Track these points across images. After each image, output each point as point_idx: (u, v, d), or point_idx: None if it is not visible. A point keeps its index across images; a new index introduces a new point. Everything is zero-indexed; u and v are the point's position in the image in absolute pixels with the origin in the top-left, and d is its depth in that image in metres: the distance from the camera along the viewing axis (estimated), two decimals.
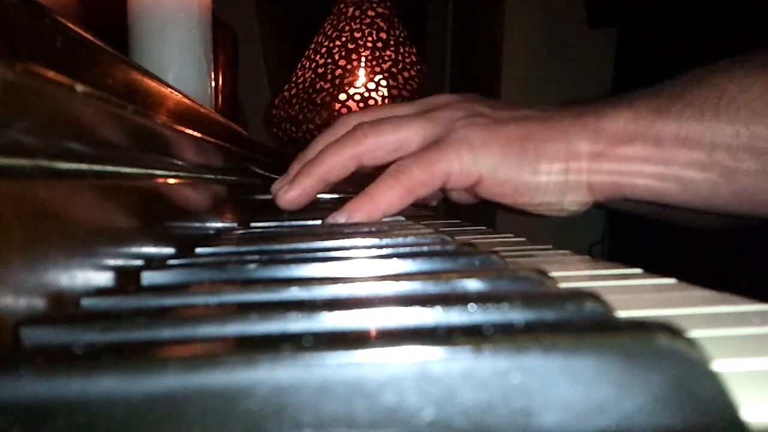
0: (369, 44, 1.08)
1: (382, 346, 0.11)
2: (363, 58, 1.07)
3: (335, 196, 0.52)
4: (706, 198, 0.40)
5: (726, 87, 0.37)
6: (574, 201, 0.44)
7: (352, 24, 1.10)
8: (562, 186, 0.43)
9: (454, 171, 0.43)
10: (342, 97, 1.05)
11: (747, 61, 0.38)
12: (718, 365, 0.11)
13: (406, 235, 0.30)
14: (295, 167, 0.48)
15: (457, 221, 0.59)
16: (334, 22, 1.11)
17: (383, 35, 1.09)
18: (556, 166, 0.42)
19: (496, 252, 0.24)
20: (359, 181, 0.47)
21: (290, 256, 0.25)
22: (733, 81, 0.37)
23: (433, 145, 0.44)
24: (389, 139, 0.44)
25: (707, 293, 0.22)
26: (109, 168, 0.22)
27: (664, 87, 0.41)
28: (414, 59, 1.12)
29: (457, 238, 0.32)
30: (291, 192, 0.46)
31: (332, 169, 0.45)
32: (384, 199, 0.42)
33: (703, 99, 0.38)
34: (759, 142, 0.36)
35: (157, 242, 0.27)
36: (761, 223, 0.44)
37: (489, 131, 0.43)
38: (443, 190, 0.50)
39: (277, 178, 0.49)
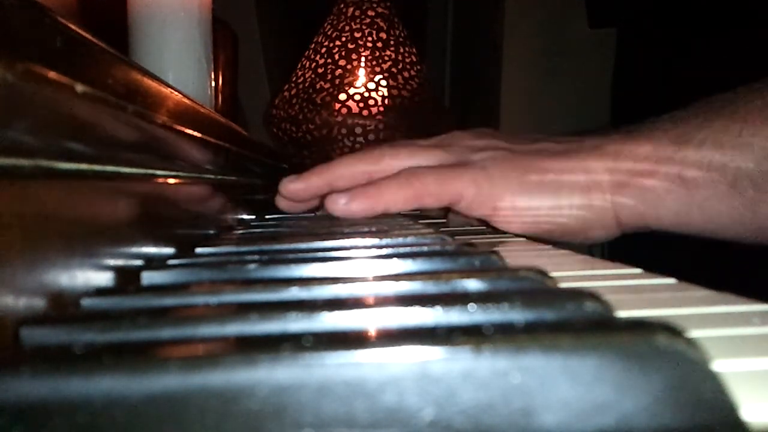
0: (369, 44, 1.08)
1: (382, 346, 0.11)
2: (363, 58, 1.07)
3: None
4: (731, 228, 0.40)
5: (746, 117, 0.37)
6: (601, 229, 0.43)
7: (352, 24, 1.09)
8: (587, 215, 0.43)
9: (468, 195, 0.42)
10: (342, 97, 1.05)
11: (765, 88, 0.38)
12: (718, 365, 0.11)
13: (406, 235, 0.30)
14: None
15: None
16: (334, 22, 1.11)
17: (383, 35, 1.09)
18: (577, 196, 0.42)
19: (496, 252, 0.24)
20: None
21: (290, 256, 0.25)
22: (753, 111, 0.37)
23: (450, 166, 0.44)
24: (405, 162, 0.45)
25: (707, 293, 0.22)
26: (109, 168, 0.22)
27: (682, 117, 0.41)
28: (414, 59, 1.12)
29: (457, 238, 0.32)
30: (296, 183, 0.46)
31: (342, 176, 0.45)
32: (390, 195, 0.42)
33: (724, 130, 0.38)
34: None
35: (157, 242, 0.27)
36: None
37: (507, 162, 0.43)
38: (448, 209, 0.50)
39: (277, 178, 0.50)
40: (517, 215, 0.43)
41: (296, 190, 0.46)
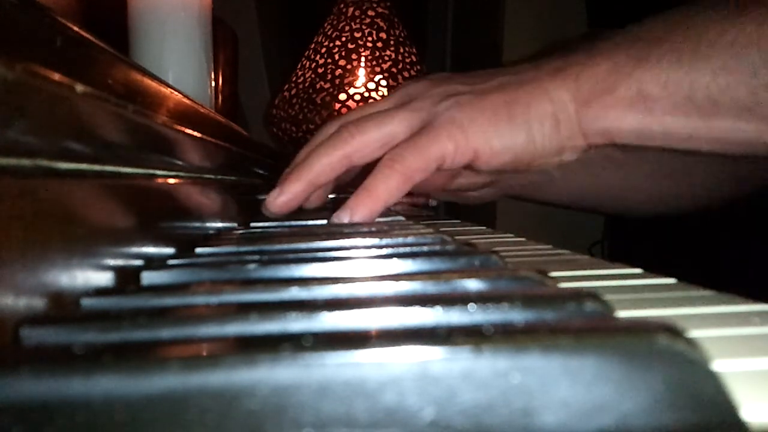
0: (369, 44, 1.08)
1: (382, 346, 0.11)
2: (363, 58, 1.07)
3: (332, 195, 0.52)
4: (687, 141, 0.41)
5: (704, 32, 0.38)
6: (572, 149, 0.44)
7: (352, 24, 1.09)
8: (558, 139, 0.44)
9: (448, 152, 0.43)
10: (342, 97, 1.05)
11: (722, 3, 0.39)
12: (718, 365, 0.11)
13: (406, 235, 0.30)
14: (285, 174, 0.48)
15: (457, 221, 0.59)
16: (334, 22, 1.11)
17: (383, 35, 1.09)
18: (547, 123, 0.43)
19: (496, 252, 0.24)
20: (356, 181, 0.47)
21: (290, 256, 0.25)
22: (711, 26, 0.38)
23: (421, 131, 0.44)
24: (375, 135, 0.45)
25: (707, 293, 0.22)
26: (109, 168, 0.22)
27: (641, 33, 0.42)
28: (414, 59, 1.12)
29: (457, 238, 0.32)
30: (281, 197, 0.45)
31: (322, 172, 0.45)
32: (383, 190, 0.42)
33: (682, 44, 0.39)
34: (735, 86, 0.37)
35: (157, 242, 0.27)
36: (747, 219, 0.45)
37: (473, 106, 0.44)
38: (450, 191, 0.50)
39: (276, 178, 0.49)
40: (496, 155, 0.44)
41: (283, 204, 0.45)
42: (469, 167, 0.46)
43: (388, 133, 0.45)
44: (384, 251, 0.26)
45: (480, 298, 0.15)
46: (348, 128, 0.45)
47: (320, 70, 1.08)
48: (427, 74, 0.50)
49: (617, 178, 0.58)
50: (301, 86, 1.09)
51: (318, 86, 1.06)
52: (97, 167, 0.21)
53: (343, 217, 0.42)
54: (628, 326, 0.12)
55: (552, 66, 0.44)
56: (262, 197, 0.47)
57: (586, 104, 0.42)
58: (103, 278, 0.21)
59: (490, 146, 0.43)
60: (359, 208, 0.42)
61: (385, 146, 0.45)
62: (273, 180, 0.49)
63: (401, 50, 1.10)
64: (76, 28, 0.18)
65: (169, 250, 0.29)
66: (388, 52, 1.09)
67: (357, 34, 1.09)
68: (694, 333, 0.15)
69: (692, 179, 0.57)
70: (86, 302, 0.18)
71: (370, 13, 1.10)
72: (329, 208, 0.47)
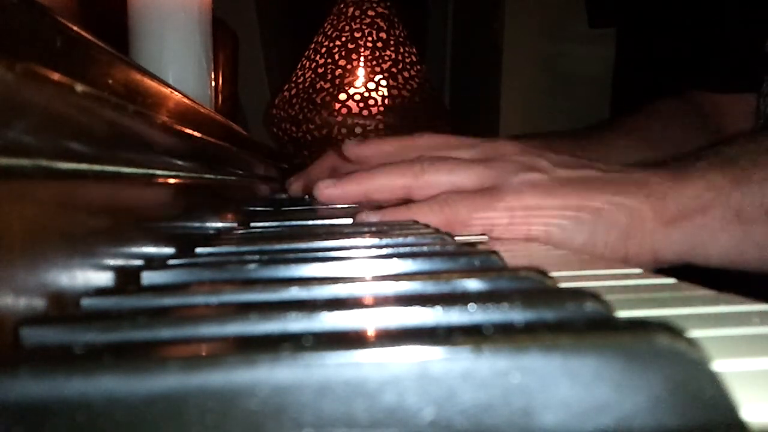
0: (369, 44, 1.08)
1: (382, 346, 0.11)
2: (363, 58, 1.07)
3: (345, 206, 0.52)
4: None
5: None
6: (635, 265, 0.43)
7: (352, 24, 1.09)
8: (621, 251, 0.42)
9: (500, 223, 0.42)
10: (342, 97, 1.05)
11: None
12: (718, 365, 0.11)
13: (406, 235, 0.30)
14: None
15: None
16: (334, 22, 1.11)
17: (383, 35, 1.09)
18: (614, 234, 0.41)
19: (496, 252, 0.24)
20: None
21: (290, 256, 0.25)
22: None
23: (485, 191, 0.43)
24: (444, 179, 0.44)
25: (707, 293, 0.22)
26: (109, 168, 0.22)
27: (731, 153, 0.41)
28: (414, 59, 1.11)
29: (457, 238, 0.32)
30: (333, 189, 0.46)
31: (380, 189, 0.45)
32: (421, 218, 0.42)
33: None
34: None
35: (157, 242, 0.27)
36: None
37: (545, 192, 0.42)
38: None
39: (277, 178, 0.49)
40: (548, 241, 0.42)
41: (332, 195, 0.46)
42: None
43: (457, 181, 0.44)
44: (384, 251, 0.26)
45: (480, 298, 0.15)
46: (422, 163, 0.45)
47: (320, 70, 1.08)
48: (519, 137, 0.48)
49: None
50: (301, 86, 1.09)
51: (318, 86, 1.06)
52: (97, 167, 0.21)
53: (373, 218, 0.43)
54: (628, 326, 0.12)
55: (640, 176, 0.42)
56: (263, 197, 0.47)
57: (669, 225, 0.40)
58: (103, 278, 0.21)
59: (546, 234, 0.42)
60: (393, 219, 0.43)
61: (448, 191, 0.44)
62: (273, 180, 0.49)
63: (401, 50, 1.10)
64: (76, 28, 0.18)
65: (169, 250, 0.29)
66: (388, 52, 1.08)
67: (357, 34, 1.08)
68: (694, 333, 0.15)
69: None
70: (86, 302, 0.18)
71: (370, 13, 1.10)
72: (337, 215, 0.47)
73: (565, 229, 0.42)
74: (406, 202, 0.45)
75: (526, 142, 0.48)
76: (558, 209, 0.42)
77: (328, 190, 0.46)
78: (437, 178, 0.45)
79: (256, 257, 0.24)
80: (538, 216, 0.42)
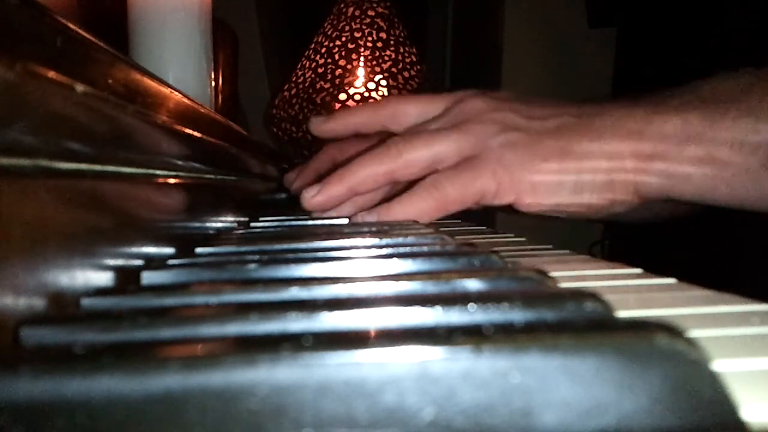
0: (369, 44, 1.08)
1: (382, 346, 0.11)
2: (363, 58, 1.07)
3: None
4: (757, 203, 0.40)
5: None
6: (619, 204, 0.43)
7: (352, 24, 1.09)
8: (607, 195, 0.42)
9: (489, 191, 0.42)
10: (342, 96, 1.05)
11: None
12: (718, 365, 0.11)
13: (406, 235, 0.30)
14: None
15: (457, 221, 0.59)
16: (334, 22, 1.11)
17: (383, 35, 1.09)
18: (599, 178, 0.42)
19: (496, 252, 0.24)
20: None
21: (290, 256, 0.25)
22: None
23: (467, 163, 0.43)
24: (423, 155, 0.44)
25: (707, 293, 0.22)
26: (109, 168, 0.22)
27: (713, 92, 0.41)
28: (414, 59, 1.11)
29: (457, 238, 0.32)
30: (319, 197, 0.45)
31: (364, 181, 0.45)
32: (415, 211, 0.42)
33: (758, 107, 0.38)
34: None
35: (157, 242, 0.27)
36: (742, 220, 0.44)
37: (525, 149, 0.42)
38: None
39: (277, 178, 0.49)
40: (537, 202, 0.43)
41: (319, 203, 0.46)
42: (508, 205, 0.45)
43: (437, 154, 0.44)
44: (384, 251, 0.26)
45: (480, 298, 0.15)
46: (397, 144, 0.45)
47: (320, 70, 1.08)
48: (485, 90, 0.48)
49: None
50: (301, 86, 1.09)
51: (318, 86, 1.06)
52: (97, 167, 0.21)
53: (369, 218, 0.43)
54: (627, 326, 0.12)
55: (616, 115, 0.42)
56: (263, 197, 0.47)
57: (648, 157, 0.41)
58: (103, 278, 0.21)
59: (534, 193, 0.42)
60: (387, 217, 0.43)
61: (431, 167, 0.44)
62: (273, 180, 0.49)
63: (401, 50, 1.10)
64: (76, 28, 0.18)
65: (169, 250, 0.29)
66: (388, 52, 1.08)
67: (357, 34, 1.08)
68: (694, 333, 0.15)
69: None
70: (86, 302, 0.18)
71: (370, 13, 1.10)
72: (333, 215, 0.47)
73: (550, 183, 0.42)
74: (396, 195, 0.45)
75: (491, 94, 0.48)
76: (541, 164, 0.42)
77: (314, 200, 0.46)
78: (416, 155, 0.44)
79: (256, 257, 0.24)
80: (523, 176, 0.42)
